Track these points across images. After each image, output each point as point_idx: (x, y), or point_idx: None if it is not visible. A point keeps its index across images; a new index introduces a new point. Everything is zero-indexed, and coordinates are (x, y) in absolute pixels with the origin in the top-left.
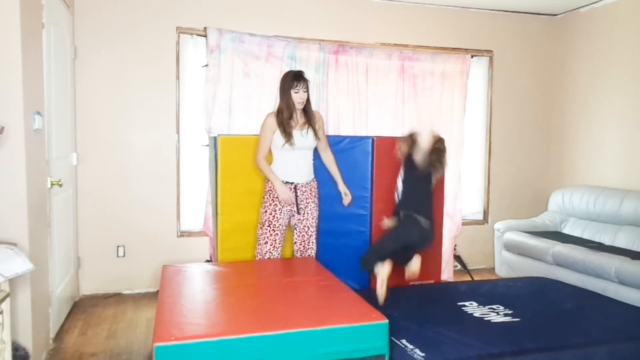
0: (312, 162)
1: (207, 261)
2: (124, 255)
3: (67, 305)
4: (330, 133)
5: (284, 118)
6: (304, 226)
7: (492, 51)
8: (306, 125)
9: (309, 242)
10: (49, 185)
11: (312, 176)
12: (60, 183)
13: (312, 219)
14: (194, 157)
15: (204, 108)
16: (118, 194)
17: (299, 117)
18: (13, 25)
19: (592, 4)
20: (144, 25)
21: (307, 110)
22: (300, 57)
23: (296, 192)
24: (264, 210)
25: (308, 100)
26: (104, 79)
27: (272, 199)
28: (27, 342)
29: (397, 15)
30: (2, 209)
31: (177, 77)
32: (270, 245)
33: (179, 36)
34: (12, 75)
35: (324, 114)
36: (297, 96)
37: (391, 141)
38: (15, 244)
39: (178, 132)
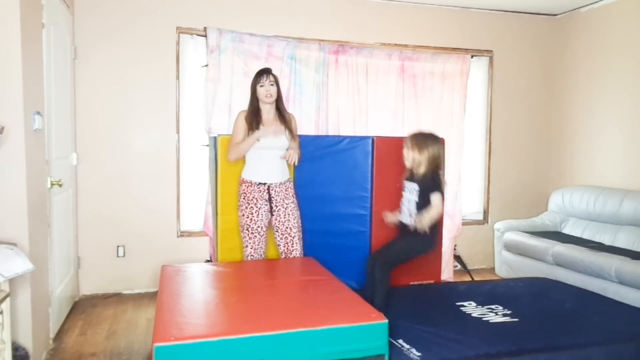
0: (285, 162)
1: (207, 261)
2: (123, 255)
3: (67, 305)
4: (330, 133)
5: (248, 113)
6: (286, 228)
7: (492, 51)
8: (279, 124)
9: (292, 244)
10: (49, 185)
11: (287, 176)
12: (60, 183)
13: (294, 219)
14: (194, 157)
15: (204, 108)
16: (118, 194)
17: (269, 116)
18: (13, 25)
19: (592, 4)
20: (144, 25)
21: (280, 108)
22: (300, 57)
23: (269, 193)
24: (241, 214)
25: (280, 98)
26: (104, 78)
27: (247, 202)
28: (27, 342)
29: (397, 15)
30: (2, 209)
31: (177, 77)
32: (251, 248)
33: (179, 36)
34: (12, 75)
35: (324, 114)
36: (262, 89)
37: (391, 141)
38: (15, 244)
39: (178, 132)
